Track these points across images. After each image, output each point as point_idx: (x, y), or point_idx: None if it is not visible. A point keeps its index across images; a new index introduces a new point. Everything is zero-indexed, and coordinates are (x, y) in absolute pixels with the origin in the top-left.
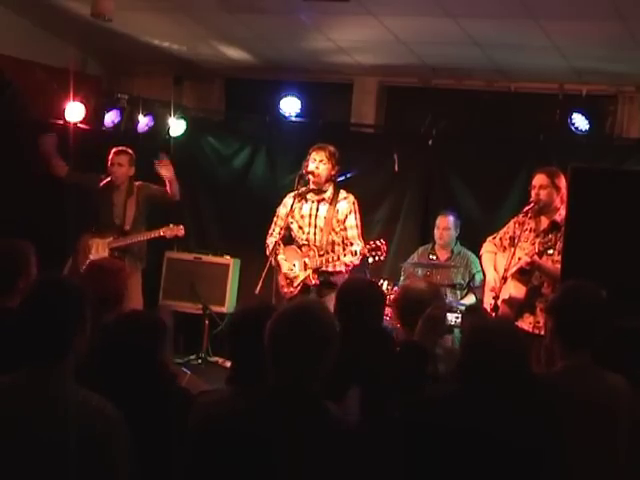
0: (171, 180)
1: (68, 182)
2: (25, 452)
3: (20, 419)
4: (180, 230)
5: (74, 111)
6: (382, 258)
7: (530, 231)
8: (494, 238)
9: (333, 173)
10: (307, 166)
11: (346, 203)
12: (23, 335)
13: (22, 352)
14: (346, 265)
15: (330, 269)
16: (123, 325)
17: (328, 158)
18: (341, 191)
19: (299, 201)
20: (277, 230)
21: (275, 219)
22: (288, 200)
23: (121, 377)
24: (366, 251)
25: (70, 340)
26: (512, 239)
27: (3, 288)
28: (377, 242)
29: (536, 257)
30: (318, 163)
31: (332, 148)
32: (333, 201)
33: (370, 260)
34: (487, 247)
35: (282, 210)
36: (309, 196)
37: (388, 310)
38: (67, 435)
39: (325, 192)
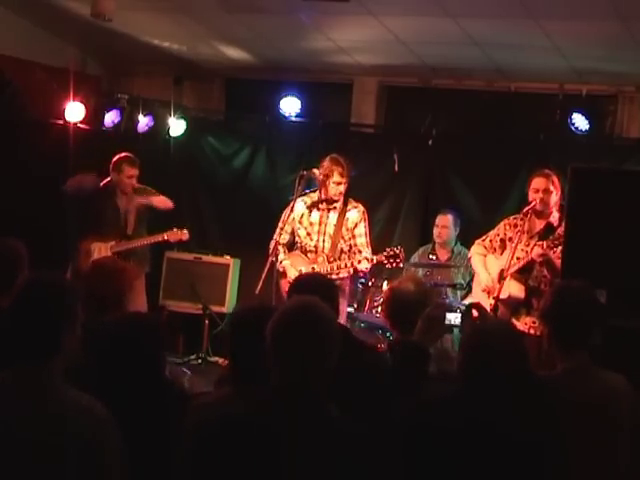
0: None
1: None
2: (14, 452)
3: (8, 419)
4: (184, 235)
5: (74, 111)
6: (401, 265)
7: (524, 233)
8: (483, 240)
9: (347, 187)
10: (325, 175)
11: (356, 212)
12: (12, 334)
13: (11, 351)
14: (358, 271)
15: (334, 276)
16: (122, 326)
17: (347, 176)
18: (350, 200)
19: (309, 208)
20: (283, 234)
21: (281, 224)
22: (298, 205)
23: (119, 378)
24: (383, 258)
25: (59, 339)
26: (503, 241)
27: (4, 286)
28: (395, 249)
29: (549, 250)
30: (339, 186)
31: (345, 162)
32: (343, 209)
33: (388, 267)
34: (476, 249)
35: (290, 214)
36: (320, 204)
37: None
38: (56, 435)
39: (336, 201)
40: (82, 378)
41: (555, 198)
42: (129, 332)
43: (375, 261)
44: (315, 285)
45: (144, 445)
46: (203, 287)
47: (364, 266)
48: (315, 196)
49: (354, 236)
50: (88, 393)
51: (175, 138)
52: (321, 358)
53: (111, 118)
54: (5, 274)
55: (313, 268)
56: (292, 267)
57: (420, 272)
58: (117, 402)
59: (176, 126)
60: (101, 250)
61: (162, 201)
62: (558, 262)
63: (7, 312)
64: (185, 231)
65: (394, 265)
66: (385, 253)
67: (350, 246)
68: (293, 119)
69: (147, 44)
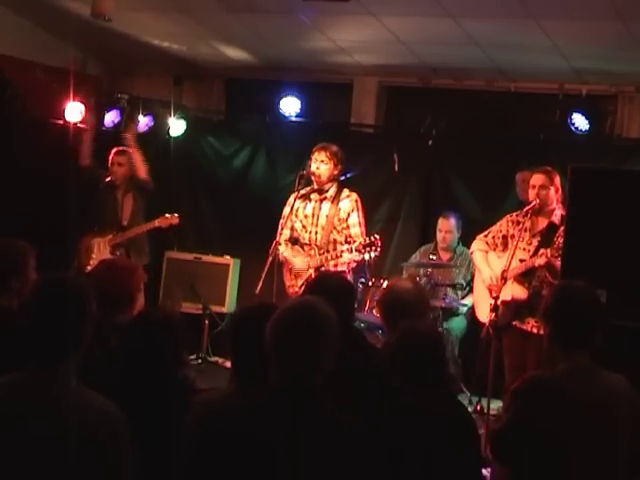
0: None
1: (86, 174)
2: (27, 452)
3: (22, 420)
4: (175, 219)
5: (74, 111)
6: (377, 253)
7: (526, 231)
8: (485, 236)
9: (335, 173)
10: (310, 166)
11: (348, 201)
12: (27, 335)
13: (25, 352)
14: (347, 264)
15: (332, 268)
16: (141, 326)
17: (329, 158)
18: (344, 190)
19: (302, 201)
20: (285, 230)
21: (281, 221)
22: (291, 200)
23: (139, 379)
24: (361, 247)
25: (74, 340)
26: (505, 238)
27: (5, 286)
28: (371, 237)
29: (553, 259)
30: (319, 163)
31: (334, 148)
32: (335, 199)
33: (367, 257)
34: (478, 245)
35: (286, 210)
36: (312, 196)
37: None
38: (69, 436)
39: (327, 191)
40: (94, 377)
41: (554, 194)
42: (146, 333)
43: (353, 251)
44: (330, 286)
45: (149, 441)
46: (203, 287)
47: (347, 257)
48: (308, 189)
49: (348, 227)
50: (100, 392)
51: (175, 138)
52: (319, 358)
53: (111, 118)
54: (5, 274)
55: (307, 261)
56: (293, 257)
57: (421, 271)
58: (129, 400)
59: (176, 126)
60: (100, 245)
61: (141, 166)
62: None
63: (20, 313)
64: (176, 215)
65: (372, 255)
66: (362, 242)
67: (345, 237)
68: (293, 119)
69: (147, 44)
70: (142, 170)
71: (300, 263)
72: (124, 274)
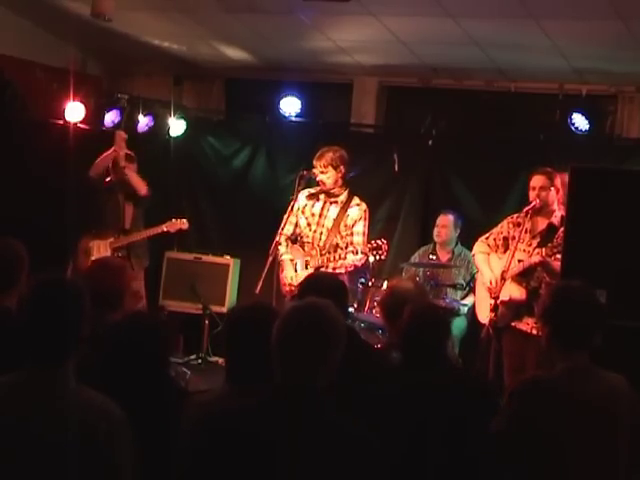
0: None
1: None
2: (27, 452)
3: (22, 419)
4: (184, 224)
5: (74, 111)
6: (383, 257)
7: (526, 232)
8: (487, 238)
9: (339, 176)
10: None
11: (357, 210)
12: (26, 336)
13: (25, 353)
14: (347, 266)
15: (330, 270)
16: (128, 326)
17: (325, 166)
18: (355, 197)
19: (310, 199)
20: (288, 226)
21: (285, 215)
22: (301, 196)
23: (126, 378)
24: (367, 250)
25: (73, 340)
26: (506, 239)
27: (5, 286)
28: (378, 241)
29: (548, 257)
30: (319, 173)
31: (331, 154)
32: (345, 205)
33: (372, 259)
34: (480, 247)
35: (295, 205)
36: (321, 196)
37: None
38: (69, 435)
39: (339, 196)
40: (90, 376)
41: (554, 195)
42: (133, 332)
43: (359, 253)
44: (324, 285)
45: (150, 444)
46: (203, 287)
47: (351, 259)
48: (317, 188)
49: (352, 234)
50: (96, 391)
51: (175, 138)
52: (325, 359)
53: (111, 118)
54: (5, 273)
55: (307, 260)
56: (290, 263)
57: (420, 272)
58: (121, 400)
59: (176, 126)
60: (100, 248)
61: (139, 183)
62: (557, 264)
63: (18, 315)
64: (184, 220)
65: (378, 257)
66: (369, 245)
67: (347, 244)
68: (293, 119)
69: (147, 44)
70: (142, 187)
71: (299, 263)
72: (113, 272)
